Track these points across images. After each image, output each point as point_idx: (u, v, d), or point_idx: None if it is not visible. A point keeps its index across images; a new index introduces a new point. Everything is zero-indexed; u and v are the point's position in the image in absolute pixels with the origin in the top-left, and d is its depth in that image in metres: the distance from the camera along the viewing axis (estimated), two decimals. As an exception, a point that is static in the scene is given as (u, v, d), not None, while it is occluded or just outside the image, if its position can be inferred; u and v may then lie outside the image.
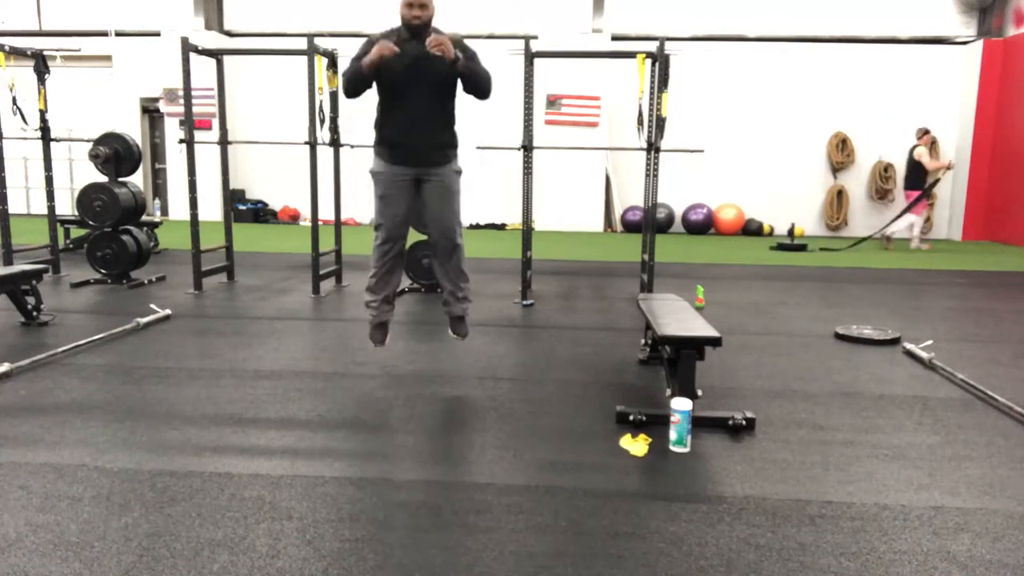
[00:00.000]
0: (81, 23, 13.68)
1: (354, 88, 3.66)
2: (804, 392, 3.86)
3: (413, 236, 6.71)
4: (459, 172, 3.87)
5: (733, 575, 2.11)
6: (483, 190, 12.43)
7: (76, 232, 9.11)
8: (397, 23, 3.71)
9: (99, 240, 6.79)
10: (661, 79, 5.87)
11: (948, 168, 11.02)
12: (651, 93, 6.06)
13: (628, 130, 7.25)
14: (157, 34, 13.10)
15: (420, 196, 3.83)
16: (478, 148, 7.05)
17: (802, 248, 10.61)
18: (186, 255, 6.90)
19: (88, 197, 6.67)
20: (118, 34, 13.52)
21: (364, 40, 3.70)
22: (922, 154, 10.54)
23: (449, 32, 3.70)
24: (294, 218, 13.95)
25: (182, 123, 6.42)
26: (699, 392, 3.28)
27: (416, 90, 3.65)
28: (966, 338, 5.26)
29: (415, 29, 3.62)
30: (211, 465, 2.79)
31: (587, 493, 2.61)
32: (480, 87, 3.68)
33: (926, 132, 10.84)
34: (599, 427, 3.28)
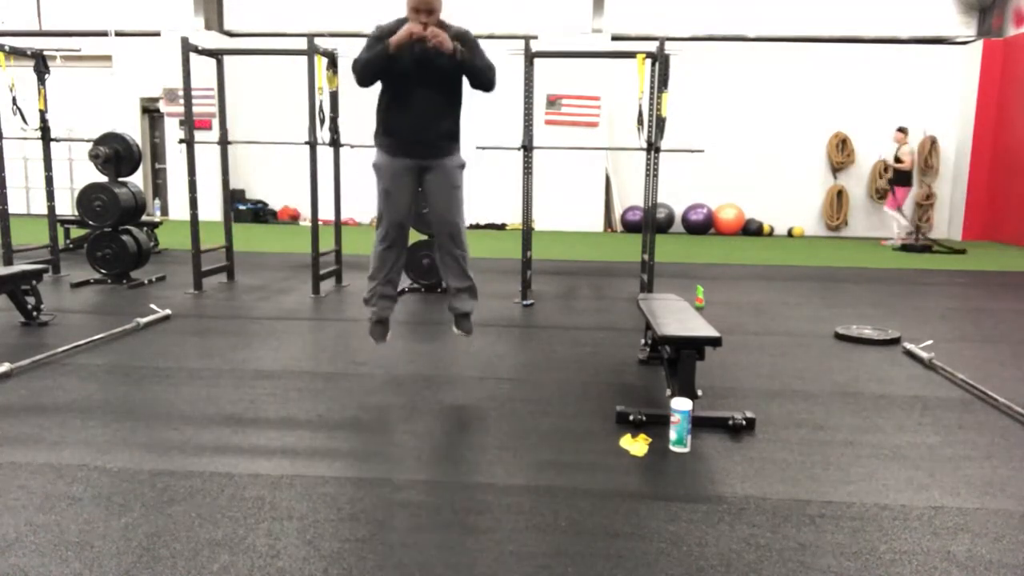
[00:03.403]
0: (81, 23, 13.68)
1: (372, 73, 3.64)
2: (804, 392, 3.86)
3: (413, 236, 6.73)
4: (462, 166, 3.87)
5: (733, 575, 2.11)
6: (483, 190, 12.43)
7: (76, 232, 9.11)
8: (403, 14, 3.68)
9: (99, 240, 6.79)
10: (661, 79, 5.87)
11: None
12: (651, 93, 6.06)
13: (628, 130, 7.25)
14: (157, 34, 13.10)
15: (423, 189, 3.83)
16: (478, 148, 7.04)
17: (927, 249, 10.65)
18: (186, 255, 6.90)
19: (88, 197, 6.67)
20: (118, 34, 13.52)
21: (373, 29, 3.67)
22: (909, 152, 11.20)
23: (456, 25, 3.70)
24: (294, 218, 13.95)
25: (182, 123, 6.42)
26: (699, 392, 3.28)
27: (420, 84, 3.66)
28: (966, 338, 5.26)
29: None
30: (211, 465, 2.79)
31: (587, 493, 2.61)
32: (482, 79, 3.69)
33: (904, 130, 11.39)
34: (599, 427, 3.28)
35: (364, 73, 3.64)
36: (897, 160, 11.38)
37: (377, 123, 3.80)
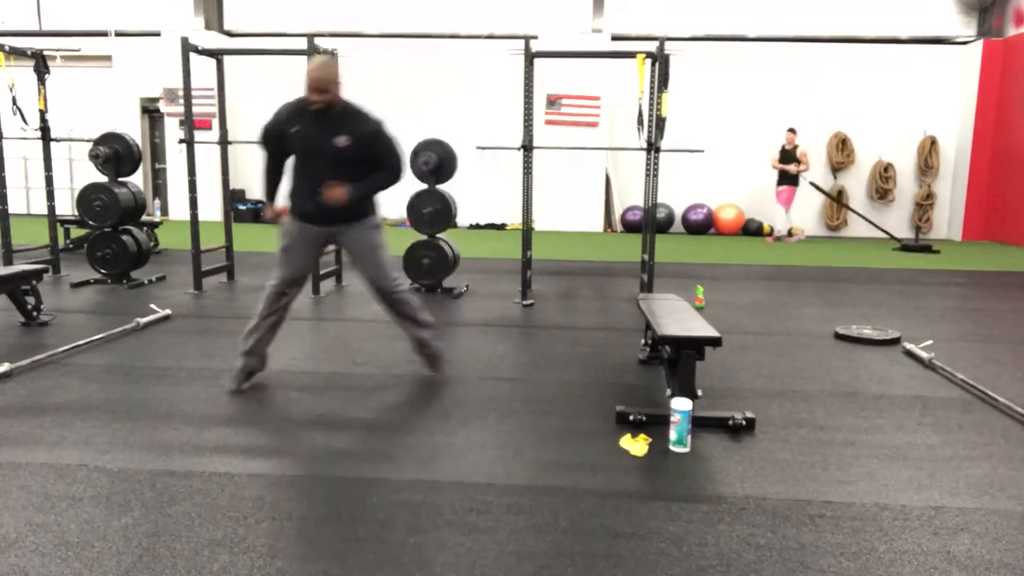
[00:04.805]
0: (81, 23, 13.67)
1: (265, 169, 3.74)
2: (804, 392, 3.86)
3: (413, 236, 6.75)
4: (377, 226, 3.79)
5: (733, 575, 2.11)
6: (483, 190, 12.43)
7: (76, 232, 9.10)
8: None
9: (99, 240, 6.79)
10: (661, 79, 5.87)
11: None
12: (651, 93, 6.06)
13: (628, 130, 7.26)
14: (157, 34, 13.09)
15: (346, 253, 3.80)
16: (478, 148, 7.05)
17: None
18: (186, 255, 6.90)
19: (88, 197, 6.67)
20: (118, 34, 13.51)
21: (272, 116, 3.63)
22: (803, 152, 11.65)
23: (367, 115, 3.59)
24: (294, 218, 13.94)
25: (182, 123, 6.42)
26: (699, 392, 3.28)
27: (322, 166, 3.57)
28: (966, 338, 5.26)
29: (318, 112, 3.51)
30: (211, 465, 2.78)
31: (587, 493, 2.61)
32: (380, 183, 3.65)
33: (794, 130, 11.82)
34: (599, 427, 3.28)
35: (266, 168, 3.75)
36: (793, 160, 11.58)
37: (289, 190, 3.73)
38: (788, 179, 11.72)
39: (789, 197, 11.80)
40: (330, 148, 3.52)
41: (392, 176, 3.68)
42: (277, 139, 3.63)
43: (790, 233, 12.16)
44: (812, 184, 11.93)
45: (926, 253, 10.52)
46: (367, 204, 3.73)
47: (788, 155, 11.71)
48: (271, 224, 3.77)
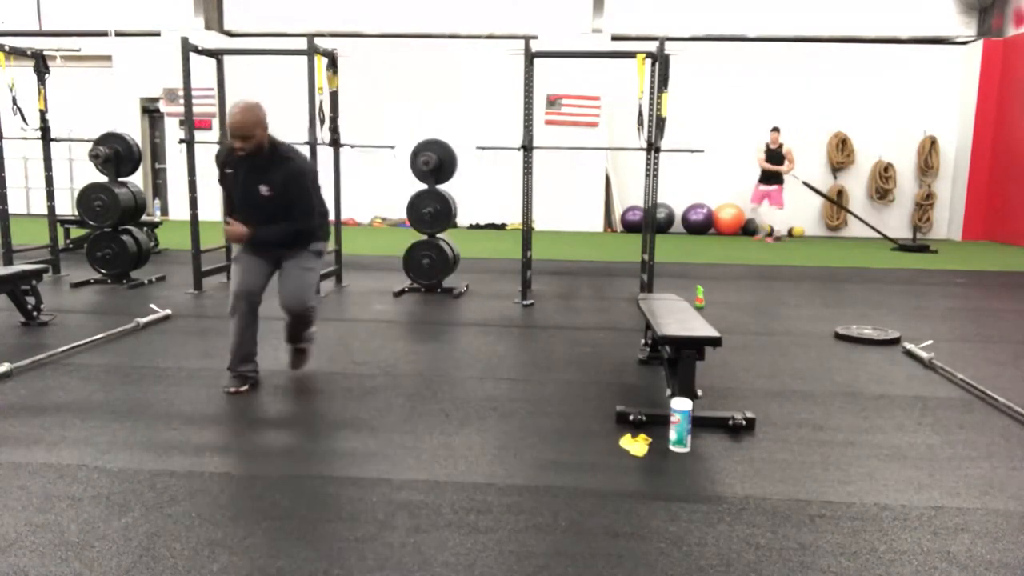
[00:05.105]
0: (81, 23, 13.66)
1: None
2: (804, 392, 3.86)
3: (413, 236, 6.75)
4: (319, 253, 3.83)
5: (733, 575, 2.11)
6: (483, 190, 12.43)
7: (76, 232, 9.10)
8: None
9: (99, 240, 6.79)
10: (661, 79, 5.87)
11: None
12: (651, 93, 6.06)
13: (628, 130, 7.25)
14: (157, 34, 13.08)
15: (279, 270, 3.79)
16: (478, 148, 7.05)
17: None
18: (186, 255, 6.90)
19: (88, 197, 6.67)
20: (118, 34, 13.50)
21: (220, 149, 3.75)
22: (788, 150, 11.62)
23: (287, 152, 3.62)
24: (294, 218, 13.94)
25: (182, 123, 6.42)
26: (699, 392, 3.28)
27: (254, 208, 3.61)
28: (966, 338, 5.26)
29: (245, 158, 3.54)
30: (211, 465, 2.79)
31: (587, 493, 2.61)
32: (293, 231, 3.65)
33: (778, 129, 11.74)
34: (599, 427, 3.28)
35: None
36: (780, 160, 11.58)
37: None
38: (776, 178, 11.70)
39: (780, 196, 11.78)
40: (255, 195, 3.57)
41: (294, 226, 3.61)
42: (221, 177, 3.74)
43: (770, 232, 12.14)
44: (805, 184, 11.90)
45: (924, 253, 10.52)
46: (307, 240, 3.73)
47: (774, 154, 11.69)
48: (230, 240, 3.75)
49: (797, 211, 12.42)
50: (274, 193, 3.54)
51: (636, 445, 3.03)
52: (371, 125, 10.92)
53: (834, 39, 13.06)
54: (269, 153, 3.54)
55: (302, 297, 3.75)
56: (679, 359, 3.26)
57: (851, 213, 12.42)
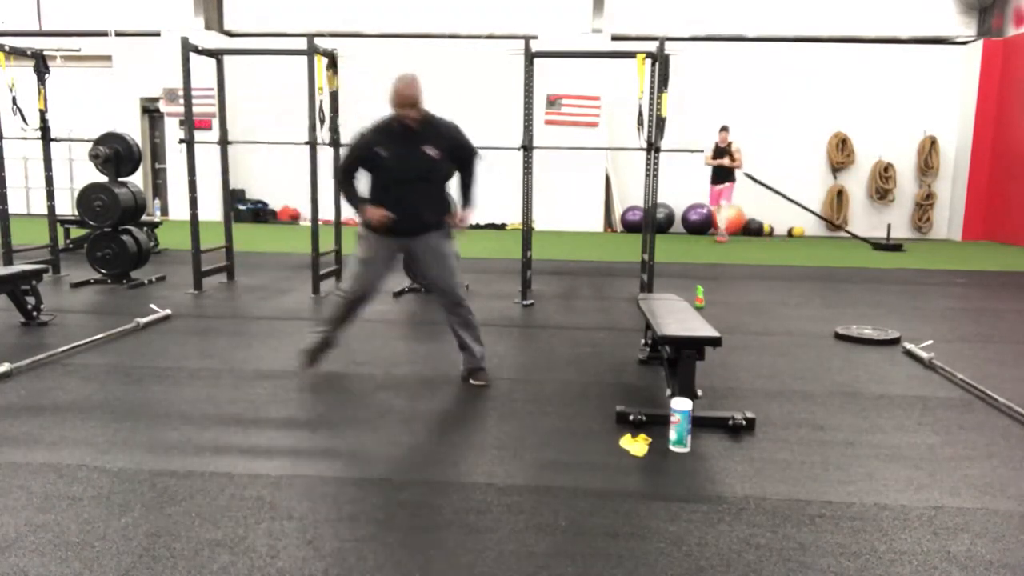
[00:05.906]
0: (81, 23, 13.67)
1: (345, 185, 3.76)
2: (804, 392, 3.86)
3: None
4: (450, 235, 3.87)
5: (733, 575, 2.11)
6: (483, 190, 12.42)
7: (76, 232, 9.10)
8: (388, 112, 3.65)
9: (99, 240, 6.79)
10: (661, 79, 5.87)
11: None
12: (651, 93, 6.06)
13: (628, 130, 7.25)
14: (157, 34, 13.09)
15: (414, 258, 3.90)
16: (478, 148, 7.03)
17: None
18: (186, 255, 6.90)
19: (88, 197, 6.67)
20: (118, 34, 13.51)
21: (355, 136, 3.70)
22: (737, 149, 11.45)
23: (441, 119, 3.71)
24: (294, 218, 13.94)
25: (182, 123, 6.42)
26: (699, 392, 3.28)
27: (409, 182, 3.67)
28: (966, 338, 5.26)
29: (408, 128, 3.60)
30: (211, 465, 2.78)
31: (587, 493, 2.61)
32: (468, 175, 3.95)
33: (727, 128, 11.56)
34: (599, 427, 3.28)
35: (339, 179, 3.82)
36: (730, 156, 11.46)
37: (370, 199, 3.76)
38: (726, 176, 11.57)
39: (731, 194, 11.73)
40: (421, 161, 3.63)
41: (472, 170, 3.95)
42: (363, 160, 3.69)
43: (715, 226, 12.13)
44: (748, 175, 11.73)
45: (897, 252, 10.68)
46: (444, 218, 3.83)
47: (723, 153, 11.57)
48: (379, 223, 3.63)
49: (797, 211, 12.41)
50: (443, 152, 3.67)
51: (636, 445, 3.03)
52: (371, 123, 10.91)
53: (834, 39, 13.06)
54: (425, 119, 3.63)
55: (450, 285, 3.81)
56: (679, 359, 3.26)
57: (803, 206, 12.14)
